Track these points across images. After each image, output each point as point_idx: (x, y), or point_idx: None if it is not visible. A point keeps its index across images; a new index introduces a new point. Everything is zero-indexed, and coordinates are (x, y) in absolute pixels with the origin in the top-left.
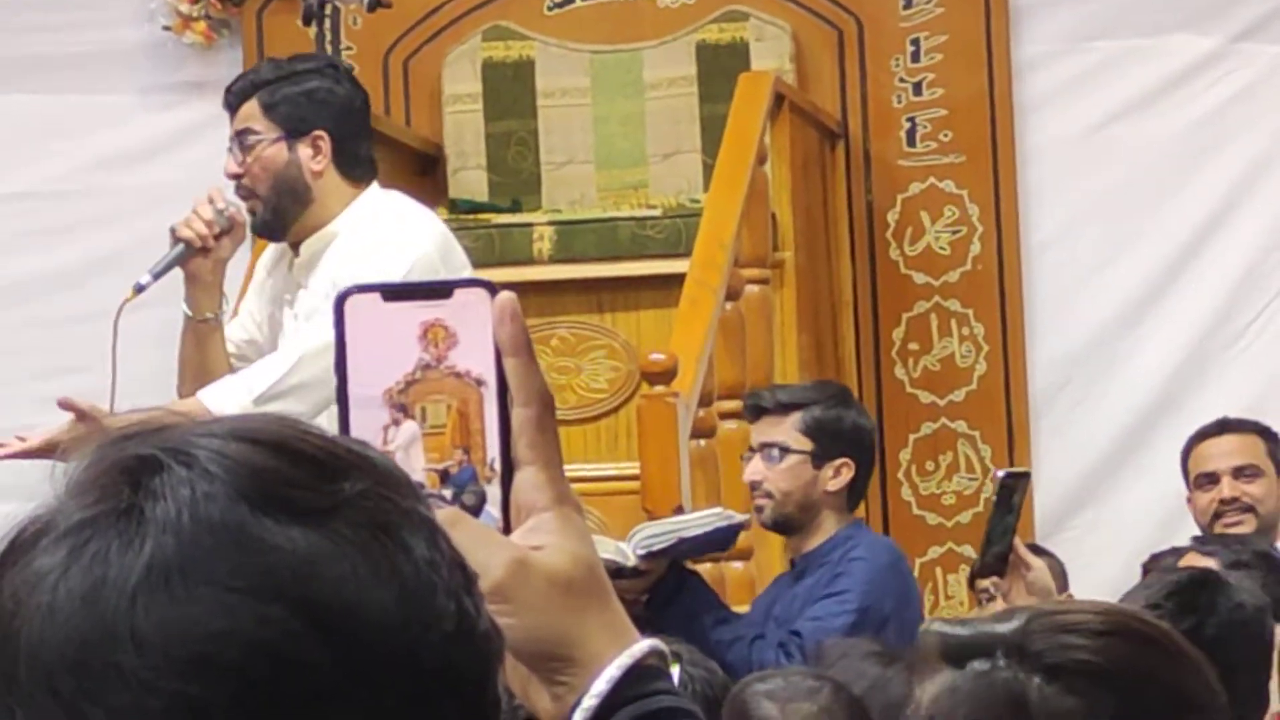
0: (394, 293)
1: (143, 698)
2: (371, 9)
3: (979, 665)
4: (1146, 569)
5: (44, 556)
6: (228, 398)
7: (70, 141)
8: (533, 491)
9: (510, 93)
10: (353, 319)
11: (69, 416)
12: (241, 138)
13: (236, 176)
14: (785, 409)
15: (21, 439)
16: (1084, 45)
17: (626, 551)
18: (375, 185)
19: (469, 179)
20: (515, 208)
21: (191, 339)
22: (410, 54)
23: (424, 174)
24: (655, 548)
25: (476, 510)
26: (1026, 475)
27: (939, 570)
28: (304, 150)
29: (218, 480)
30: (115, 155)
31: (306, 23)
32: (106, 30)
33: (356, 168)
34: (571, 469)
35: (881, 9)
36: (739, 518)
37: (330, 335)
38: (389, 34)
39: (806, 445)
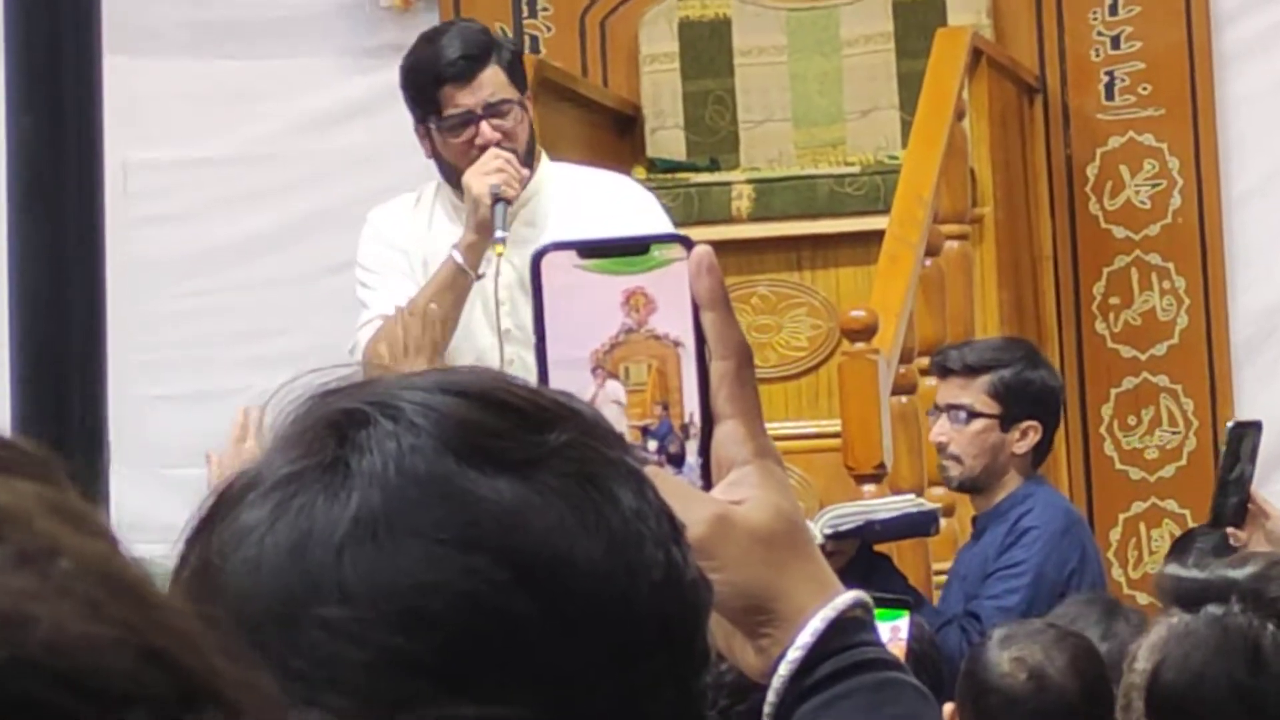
0: (591, 250)
1: (349, 650)
2: None
3: (1213, 610)
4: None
5: (250, 511)
6: None
7: (268, 106)
8: (733, 445)
9: (707, 51)
10: (550, 277)
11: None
12: (498, 106)
13: (498, 144)
14: (973, 371)
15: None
16: None
17: (814, 530)
18: None
19: (667, 138)
20: (713, 166)
21: (458, 296)
22: (607, 14)
23: (621, 134)
24: (843, 528)
25: (678, 460)
26: (1258, 425)
27: (1142, 526)
28: (529, 109)
29: (423, 433)
30: (313, 119)
31: None
32: None
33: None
34: (772, 427)
35: None
36: (930, 506)
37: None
38: None
39: (994, 409)
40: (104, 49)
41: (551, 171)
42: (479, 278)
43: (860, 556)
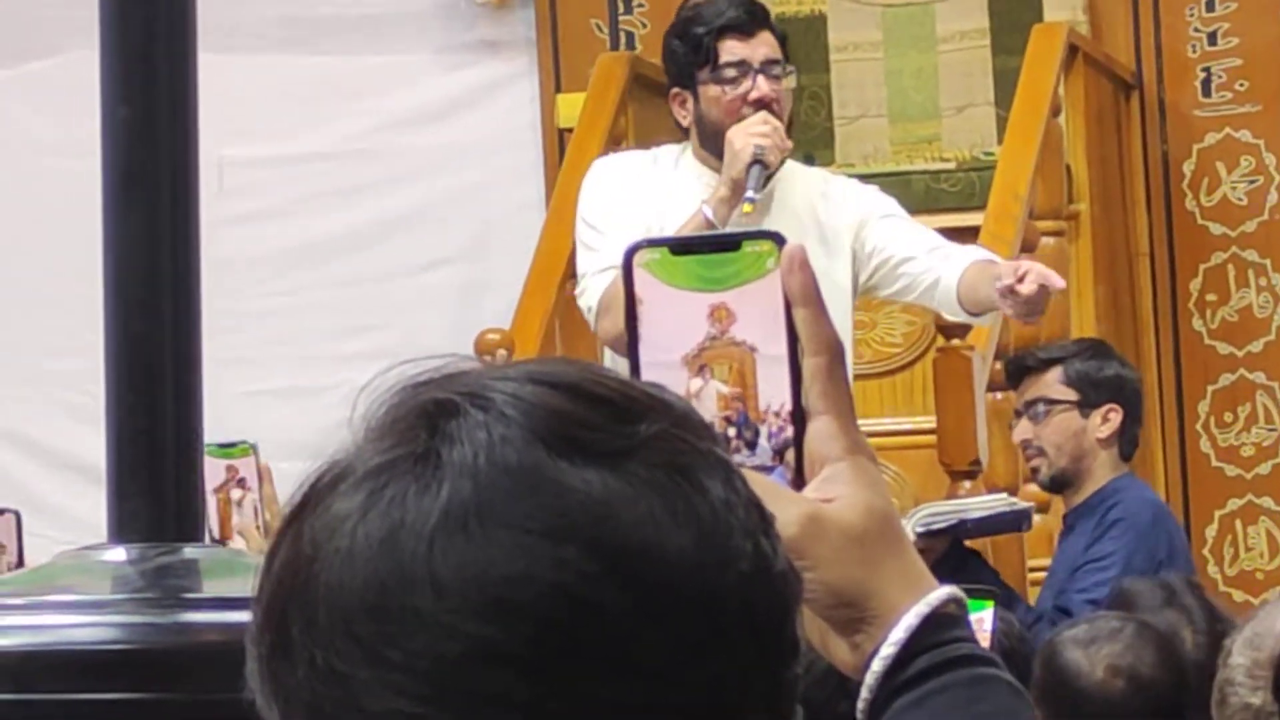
0: (683, 246)
1: (441, 641)
2: None
3: None
4: None
5: (342, 501)
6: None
7: (364, 102)
8: (826, 441)
9: (803, 47)
10: (641, 285)
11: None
12: (771, 66)
13: (771, 103)
14: (1045, 365)
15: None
16: None
17: (906, 528)
18: None
19: None
20: (809, 161)
21: None
22: None
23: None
24: (935, 526)
25: (752, 444)
26: None
27: (1239, 523)
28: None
29: (514, 423)
30: (408, 116)
31: None
32: None
33: None
34: (867, 424)
35: None
36: (1023, 504)
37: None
38: None
39: (1071, 395)
40: (201, 46)
41: (793, 166)
42: None
43: (951, 552)
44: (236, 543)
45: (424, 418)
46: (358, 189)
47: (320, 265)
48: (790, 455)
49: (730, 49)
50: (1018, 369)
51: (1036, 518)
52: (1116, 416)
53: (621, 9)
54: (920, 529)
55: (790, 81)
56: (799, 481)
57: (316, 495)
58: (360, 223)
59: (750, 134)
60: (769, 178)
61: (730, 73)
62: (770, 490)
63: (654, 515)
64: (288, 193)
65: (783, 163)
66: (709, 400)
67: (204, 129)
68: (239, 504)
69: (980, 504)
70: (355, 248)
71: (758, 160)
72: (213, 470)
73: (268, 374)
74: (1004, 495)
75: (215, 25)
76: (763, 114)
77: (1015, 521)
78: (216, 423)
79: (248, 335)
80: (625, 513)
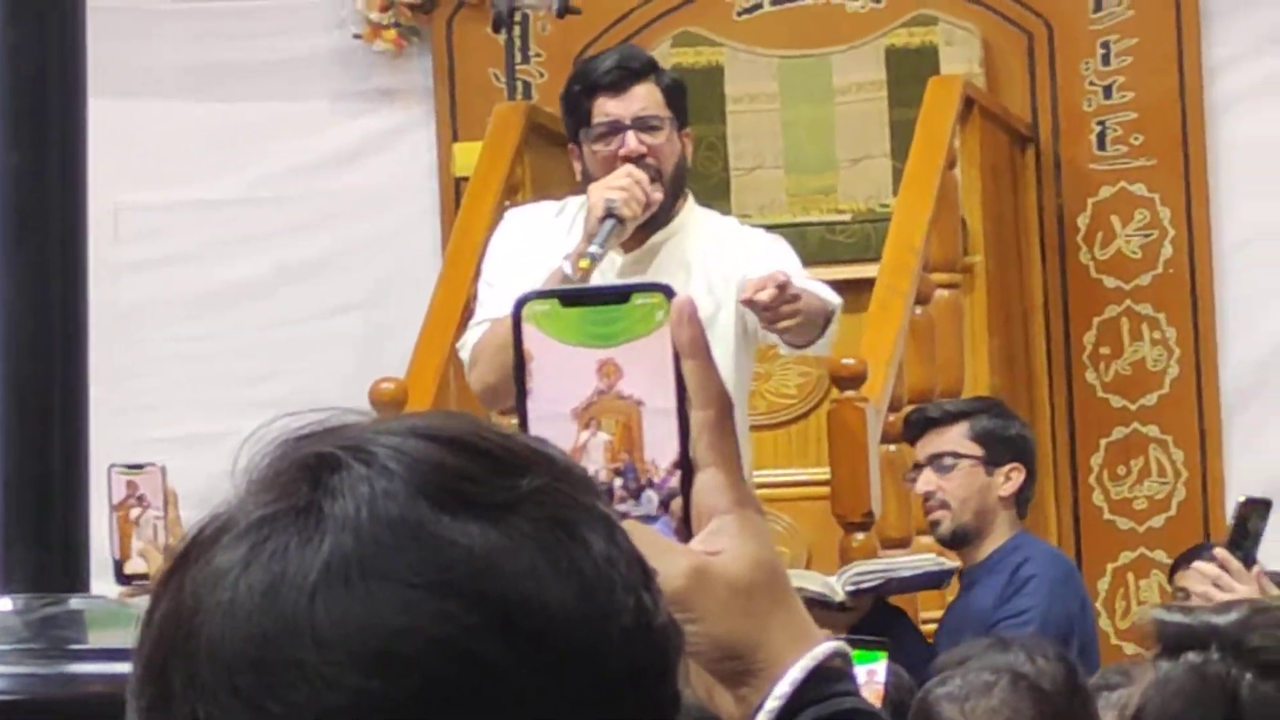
0: (573, 298)
1: (323, 694)
2: (561, 15)
3: (1193, 657)
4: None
5: (224, 554)
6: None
7: (263, 149)
8: (713, 494)
9: (699, 98)
10: (530, 330)
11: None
12: (646, 120)
13: (642, 157)
14: (952, 419)
15: None
16: (1276, 46)
17: (835, 586)
18: None
19: None
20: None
21: None
22: None
23: None
24: (864, 585)
25: (638, 493)
26: (1267, 504)
27: (1130, 576)
28: (683, 141)
29: (396, 477)
30: (308, 163)
31: (496, 29)
32: (299, 38)
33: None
34: (762, 474)
35: (1071, 12)
36: (950, 564)
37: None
38: (578, 40)
39: (977, 451)
40: (99, 91)
41: (694, 214)
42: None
43: (876, 610)
44: (136, 563)
45: (306, 471)
46: (258, 236)
47: (222, 312)
48: (677, 506)
49: (603, 107)
50: (920, 422)
51: None
52: (1019, 476)
53: (519, 58)
54: (850, 588)
55: (662, 136)
56: (686, 534)
57: (199, 547)
58: (261, 269)
59: (607, 188)
60: (655, 226)
61: (603, 130)
62: (657, 543)
63: (536, 569)
64: (190, 239)
65: (663, 212)
66: (596, 452)
67: (103, 175)
68: (138, 522)
69: (909, 563)
70: (257, 295)
71: (610, 214)
72: (115, 487)
73: (171, 420)
74: (933, 556)
75: (115, 70)
76: (625, 168)
77: (944, 578)
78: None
79: (150, 382)
80: (507, 566)
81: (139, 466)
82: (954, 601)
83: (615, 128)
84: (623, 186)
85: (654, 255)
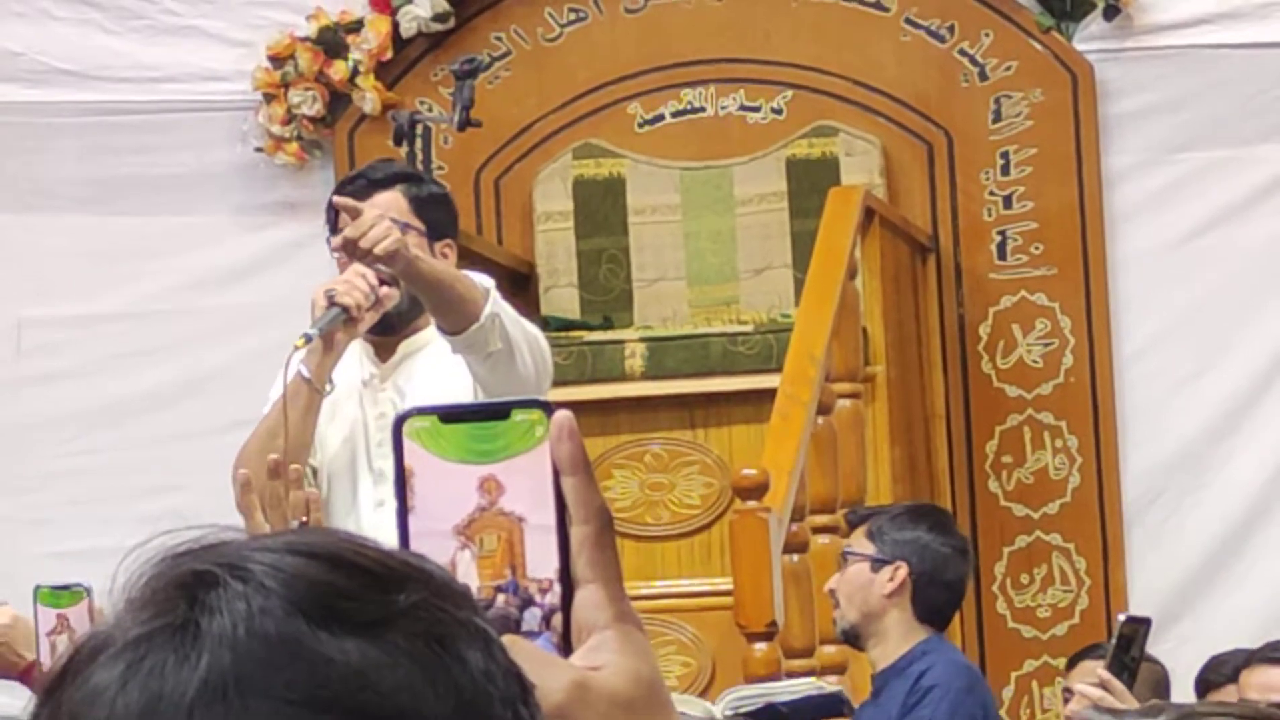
0: (453, 415)
1: None
2: (462, 128)
3: None
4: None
5: (101, 672)
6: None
7: (164, 262)
8: (593, 610)
9: (601, 210)
10: (411, 445)
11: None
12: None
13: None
14: (862, 520)
15: None
16: (1173, 156)
17: (715, 713)
18: None
19: (561, 296)
20: (607, 324)
21: (304, 405)
22: (501, 172)
23: (516, 291)
24: (743, 710)
25: (522, 608)
26: (1148, 622)
27: (1035, 684)
28: (439, 254)
29: (273, 594)
30: (208, 275)
31: (398, 143)
32: (200, 152)
33: None
34: (665, 585)
35: (970, 123)
36: (831, 689)
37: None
38: (480, 153)
39: (868, 549)
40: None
41: (433, 336)
42: (318, 391)
43: None
44: None
45: (183, 589)
46: (158, 349)
47: (121, 425)
48: (558, 622)
49: (344, 217)
50: (848, 524)
51: (833, 679)
52: (901, 573)
53: (421, 169)
54: (729, 713)
55: (411, 239)
56: (566, 650)
57: (75, 666)
58: (161, 383)
59: (334, 280)
60: (402, 334)
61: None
62: (537, 657)
63: (412, 684)
64: (88, 353)
65: (406, 319)
66: (477, 568)
67: (3, 289)
68: None
69: (789, 688)
70: (156, 408)
71: (332, 303)
72: (44, 618)
73: (69, 534)
74: (812, 679)
75: (14, 185)
76: (354, 266)
77: (833, 705)
78: (17, 583)
79: (48, 495)
80: (383, 682)
81: (65, 587)
82: (863, 705)
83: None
84: (345, 279)
85: (407, 365)
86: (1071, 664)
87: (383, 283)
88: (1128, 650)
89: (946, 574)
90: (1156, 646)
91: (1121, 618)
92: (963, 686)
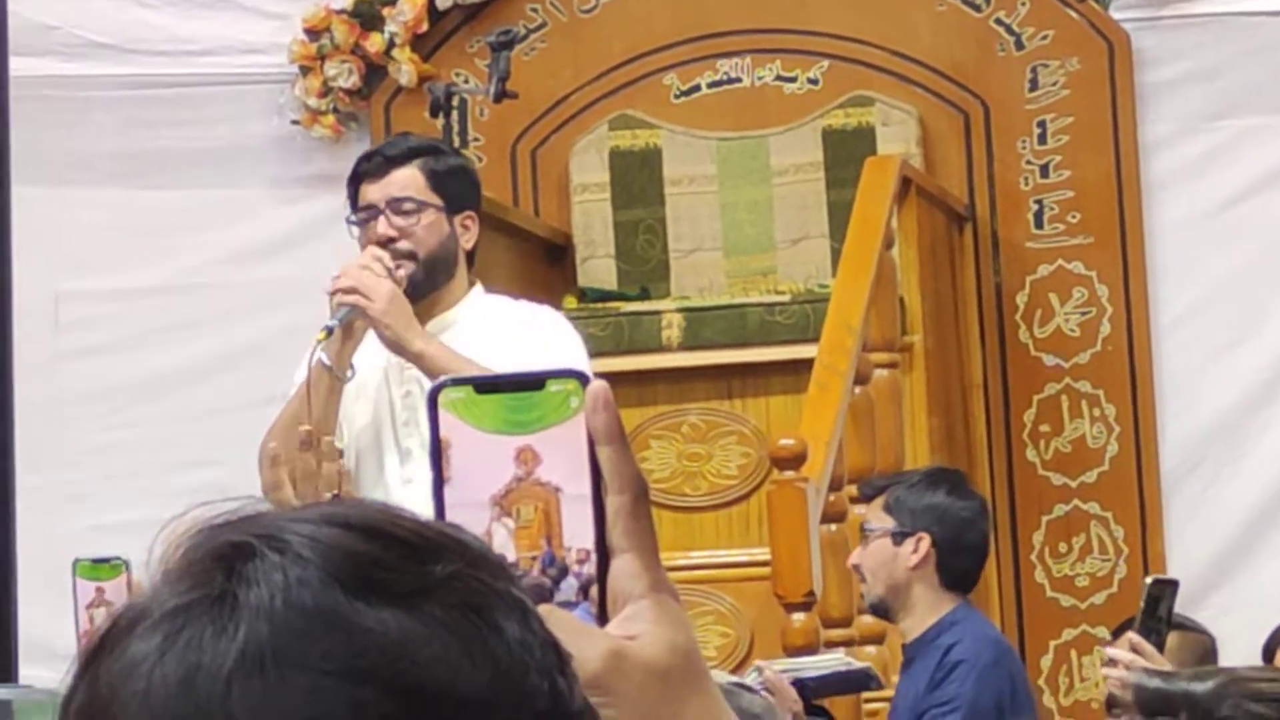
0: (488, 385)
1: None
2: (498, 100)
3: None
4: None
5: (139, 644)
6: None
7: (201, 236)
8: (628, 579)
9: (638, 181)
10: (446, 417)
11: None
12: (400, 203)
13: (391, 240)
14: (878, 491)
15: None
16: (1211, 124)
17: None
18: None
19: (597, 267)
20: (644, 295)
21: (325, 392)
22: (538, 144)
23: (552, 263)
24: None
25: (558, 579)
26: (1175, 584)
27: (1073, 653)
28: (459, 227)
29: (310, 565)
30: (245, 249)
31: (434, 114)
32: (236, 125)
33: (475, 257)
34: (702, 555)
35: (1007, 91)
36: (859, 664)
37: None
38: (516, 124)
39: (888, 523)
40: (36, 179)
41: (476, 305)
42: (339, 378)
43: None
44: None
45: (220, 560)
46: (195, 323)
47: (158, 399)
48: (595, 592)
49: (364, 194)
50: (862, 496)
51: (870, 649)
52: (925, 545)
53: (457, 143)
54: (757, 688)
55: (420, 218)
56: (602, 620)
57: (113, 638)
58: (198, 357)
59: (344, 268)
60: (426, 316)
61: (361, 216)
62: (574, 626)
63: (449, 655)
64: (125, 327)
65: (426, 295)
66: (513, 539)
67: (41, 263)
68: None
69: (815, 663)
70: (193, 382)
71: (337, 293)
72: (83, 590)
73: (106, 508)
74: (840, 654)
75: (51, 159)
76: (369, 250)
77: (860, 680)
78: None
79: (86, 470)
80: (420, 653)
81: (104, 560)
82: (899, 679)
83: (373, 212)
84: (350, 268)
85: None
86: (1116, 634)
87: (397, 264)
88: (1154, 613)
89: (969, 538)
90: (1195, 616)
91: (1148, 580)
92: (990, 661)
